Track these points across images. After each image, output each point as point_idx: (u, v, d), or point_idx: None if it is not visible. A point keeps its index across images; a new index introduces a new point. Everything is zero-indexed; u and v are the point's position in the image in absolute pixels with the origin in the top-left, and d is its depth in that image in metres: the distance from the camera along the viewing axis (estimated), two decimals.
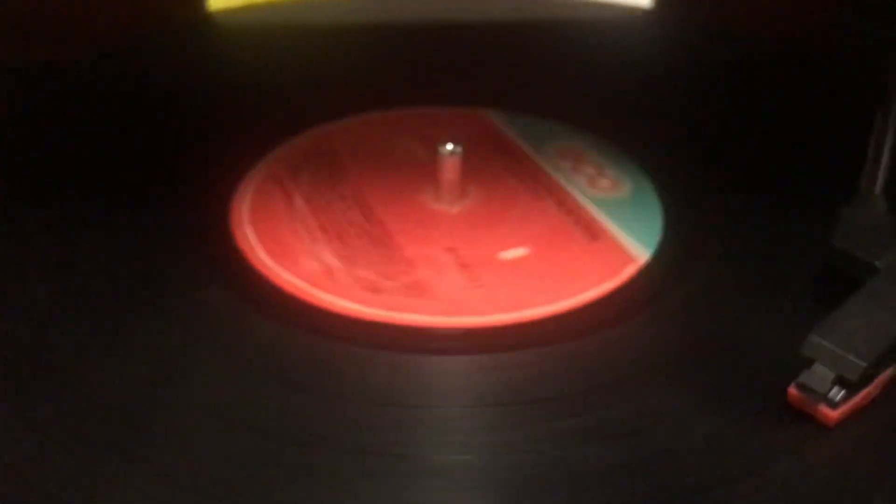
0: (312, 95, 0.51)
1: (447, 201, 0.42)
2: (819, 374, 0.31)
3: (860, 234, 0.36)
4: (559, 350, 0.35)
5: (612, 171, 0.45)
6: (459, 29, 0.58)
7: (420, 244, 0.40)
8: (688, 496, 0.29)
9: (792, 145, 0.47)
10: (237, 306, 0.36)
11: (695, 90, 0.51)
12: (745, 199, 0.43)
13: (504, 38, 0.57)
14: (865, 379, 0.31)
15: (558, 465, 0.30)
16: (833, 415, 0.31)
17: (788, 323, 0.35)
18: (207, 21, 0.59)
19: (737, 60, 0.54)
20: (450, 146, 0.41)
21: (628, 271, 0.39)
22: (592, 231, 0.41)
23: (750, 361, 0.34)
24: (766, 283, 0.38)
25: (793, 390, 0.32)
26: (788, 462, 0.30)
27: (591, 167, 0.45)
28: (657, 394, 0.33)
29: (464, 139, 0.42)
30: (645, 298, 0.37)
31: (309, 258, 0.39)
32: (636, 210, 0.42)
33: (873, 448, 0.31)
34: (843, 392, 0.31)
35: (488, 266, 0.39)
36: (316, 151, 0.46)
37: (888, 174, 0.39)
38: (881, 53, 0.45)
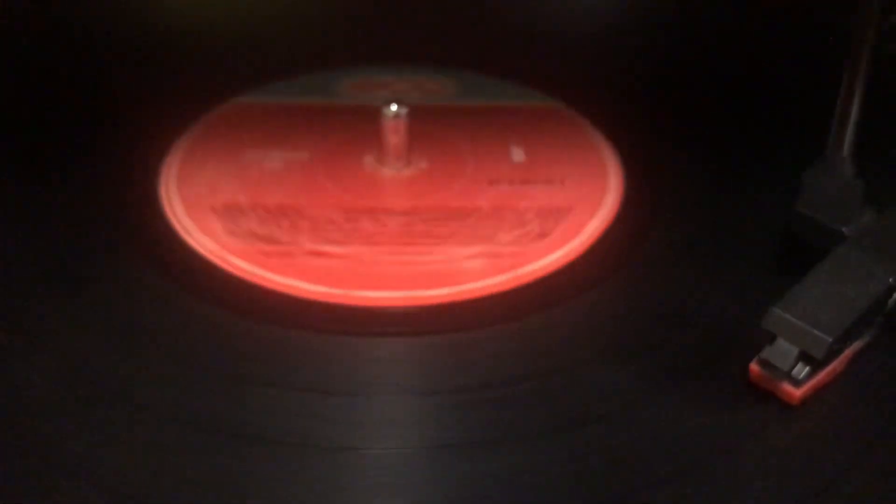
0: (247, 57, 0.47)
1: (393, 166, 0.40)
2: (782, 349, 0.29)
3: (826, 200, 0.34)
4: (509, 329, 0.33)
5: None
6: None
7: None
8: (646, 483, 0.28)
9: (756, 108, 0.44)
10: (162, 284, 0.34)
11: (654, 55, 0.49)
12: (704, 165, 0.41)
13: None
14: (831, 355, 0.29)
15: (509, 454, 0.28)
16: (797, 393, 0.29)
17: (752, 295, 0.33)
18: None
19: (699, 22, 0.52)
20: (394, 107, 0.39)
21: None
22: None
23: (711, 336, 0.32)
24: (728, 252, 0.36)
25: (754, 367, 0.30)
26: (750, 444, 0.29)
27: None
28: (613, 375, 0.31)
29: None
30: (600, 271, 0.35)
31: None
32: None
33: (838, 427, 0.29)
34: (807, 369, 0.29)
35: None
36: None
37: (855, 136, 0.37)
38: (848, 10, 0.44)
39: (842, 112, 0.38)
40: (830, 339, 0.29)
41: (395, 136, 0.39)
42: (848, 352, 0.30)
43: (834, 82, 0.39)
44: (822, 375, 0.30)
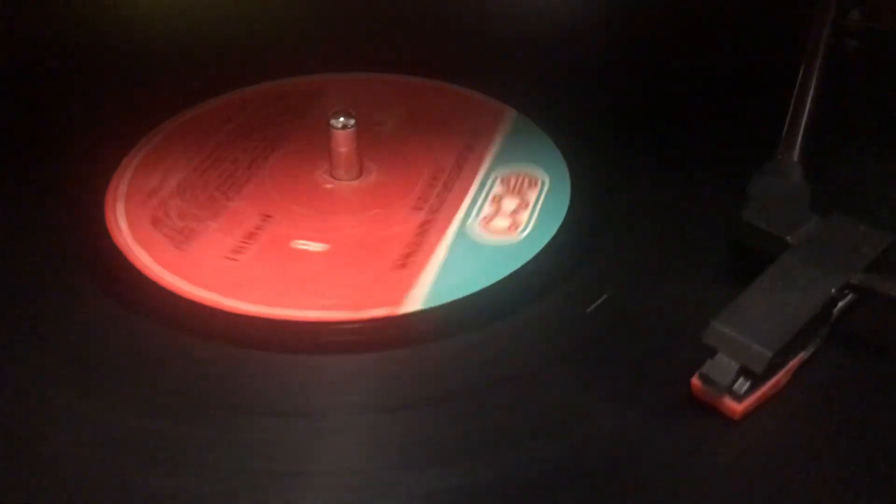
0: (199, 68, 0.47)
1: (344, 177, 0.40)
2: (722, 364, 0.29)
3: (772, 207, 0.33)
4: (449, 343, 0.32)
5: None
6: None
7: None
8: (585, 497, 0.27)
9: (705, 112, 0.44)
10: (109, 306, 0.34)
11: (603, 59, 0.48)
12: (650, 169, 0.40)
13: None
14: (772, 368, 0.29)
15: (450, 475, 0.28)
16: (738, 408, 0.29)
17: (697, 305, 0.33)
18: None
19: (651, 23, 0.51)
20: (342, 119, 0.38)
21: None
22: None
23: (655, 349, 0.32)
24: (674, 260, 0.35)
25: (696, 382, 0.29)
26: (692, 460, 0.28)
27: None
28: (556, 390, 0.31)
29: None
30: (544, 282, 0.35)
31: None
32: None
33: (780, 441, 0.29)
34: (748, 383, 0.29)
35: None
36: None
37: (806, 139, 0.37)
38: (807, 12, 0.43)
39: (795, 112, 0.38)
40: (770, 354, 0.28)
41: (344, 148, 0.39)
42: (792, 363, 0.30)
43: (786, 85, 0.39)
44: (765, 389, 0.29)
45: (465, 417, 0.30)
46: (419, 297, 0.34)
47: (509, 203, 0.38)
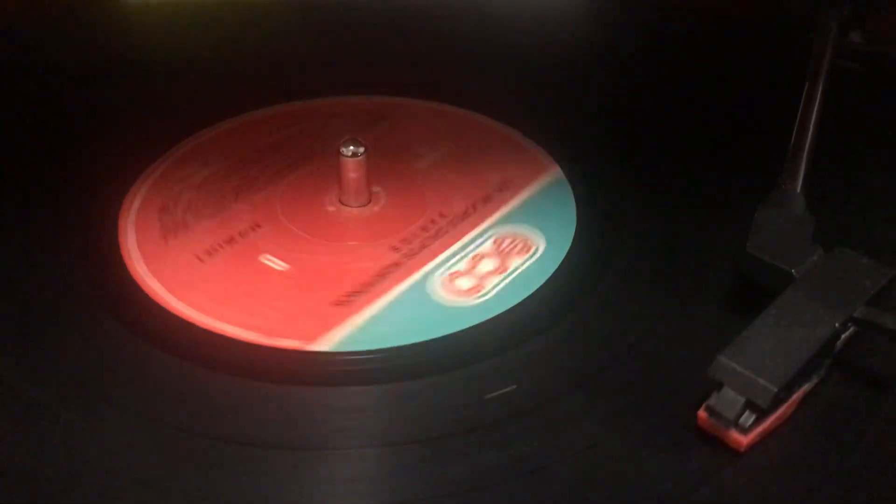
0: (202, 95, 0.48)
1: (351, 203, 0.40)
2: (728, 398, 0.29)
3: (777, 239, 0.34)
4: (455, 375, 0.33)
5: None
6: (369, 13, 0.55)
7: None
8: None
9: (713, 143, 0.44)
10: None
11: (610, 83, 0.49)
12: (658, 200, 0.41)
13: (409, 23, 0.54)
14: (777, 402, 0.30)
15: None
16: (743, 441, 0.29)
17: (704, 337, 0.33)
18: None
19: (656, 49, 0.52)
20: (352, 147, 0.39)
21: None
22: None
23: (661, 380, 0.32)
24: (681, 293, 0.36)
25: (702, 414, 0.30)
26: (698, 491, 0.29)
27: None
28: (563, 421, 0.31)
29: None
30: (549, 312, 0.35)
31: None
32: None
33: (785, 472, 0.29)
34: (754, 417, 0.29)
35: None
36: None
37: (809, 170, 0.37)
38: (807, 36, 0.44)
39: (797, 141, 0.38)
40: (776, 389, 0.29)
41: (354, 175, 0.40)
42: (796, 395, 0.31)
43: (790, 111, 0.40)
44: (770, 421, 0.30)
45: (477, 447, 0.30)
46: (335, 338, 0.34)
47: (486, 264, 0.37)
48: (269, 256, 0.37)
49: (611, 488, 0.29)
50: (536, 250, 0.38)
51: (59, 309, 0.35)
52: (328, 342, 0.34)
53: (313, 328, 0.34)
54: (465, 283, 0.36)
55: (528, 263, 0.37)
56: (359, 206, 0.40)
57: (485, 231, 0.39)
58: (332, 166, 0.41)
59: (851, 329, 0.32)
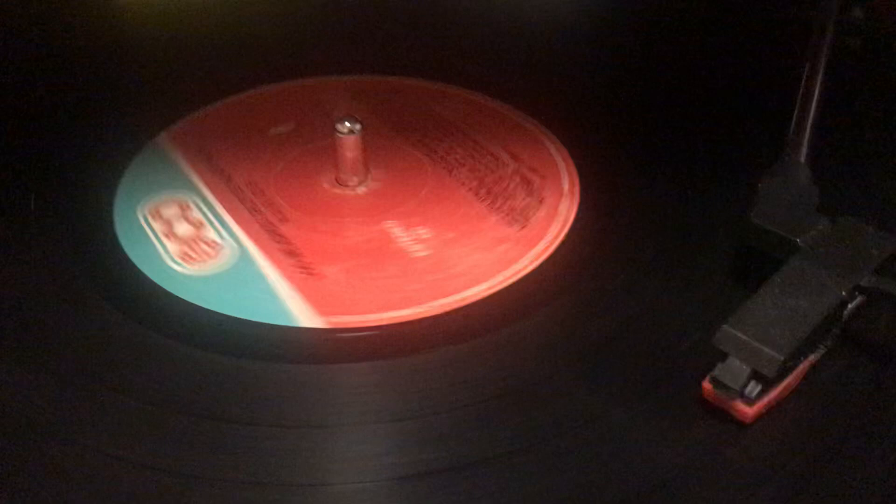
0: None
1: (349, 183, 0.40)
2: (733, 368, 0.29)
3: (780, 209, 0.33)
4: (456, 350, 0.32)
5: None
6: None
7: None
8: (599, 501, 0.27)
9: (714, 113, 0.44)
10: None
11: (608, 61, 0.48)
12: (660, 170, 0.40)
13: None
14: (784, 372, 0.29)
15: (464, 479, 0.28)
16: (750, 412, 0.29)
17: (710, 307, 0.33)
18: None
19: (653, 26, 0.51)
20: (347, 124, 0.38)
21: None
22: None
23: (666, 350, 0.32)
24: (685, 262, 0.35)
25: (707, 385, 0.29)
26: (704, 463, 0.28)
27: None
28: (567, 393, 0.31)
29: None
30: (554, 286, 0.35)
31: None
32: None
33: (792, 444, 0.29)
34: (759, 387, 0.29)
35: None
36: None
37: (812, 139, 0.36)
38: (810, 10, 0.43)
39: (800, 113, 0.38)
40: (782, 358, 0.28)
41: (350, 153, 0.39)
42: (803, 365, 0.30)
43: (791, 87, 0.39)
44: (777, 392, 0.29)
45: (484, 423, 0.30)
46: None
47: None
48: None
49: (615, 462, 0.28)
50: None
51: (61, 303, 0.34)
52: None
53: None
54: None
55: None
56: (362, 183, 0.40)
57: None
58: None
59: (859, 298, 0.31)
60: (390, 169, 0.40)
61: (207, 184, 0.40)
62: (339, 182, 0.40)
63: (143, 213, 0.38)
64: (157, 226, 0.37)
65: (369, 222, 0.38)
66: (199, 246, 0.36)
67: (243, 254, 0.36)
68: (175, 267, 0.35)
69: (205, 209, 0.38)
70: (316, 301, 0.34)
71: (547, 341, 0.33)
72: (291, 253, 0.36)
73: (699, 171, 0.40)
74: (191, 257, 0.36)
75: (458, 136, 0.42)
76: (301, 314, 0.33)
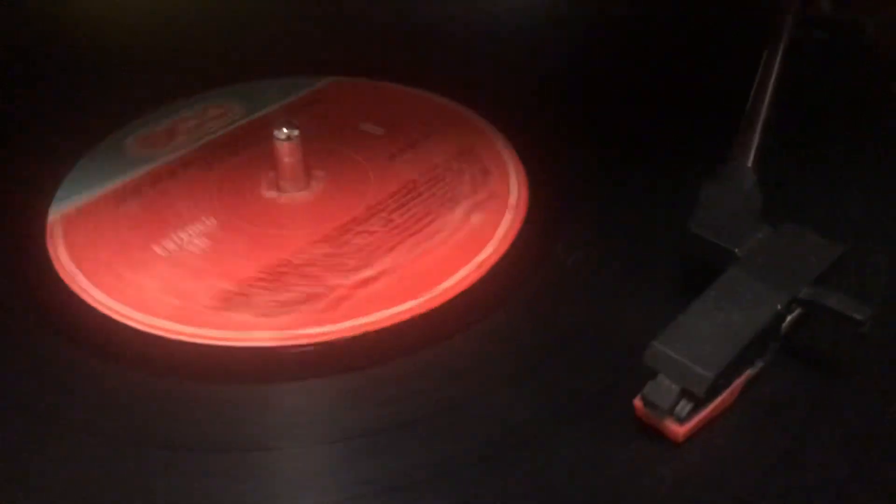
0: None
1: (290, 189, 0.39)
2: (663, 386, 0.28)
3: (722, 216, 0.32)
4: (391, 368, 0.31)
5: None
6: None
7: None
8: None
9: (660, 116, 0.42)
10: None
11: (555, 59, 0.47)
12: (603, 171, 0.39)
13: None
14: (715, 390, 0.28)
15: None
16: (680, 431, 0.28)
17: (643, 323, 0.31)
18: None
19: (600, 21, 0.50)
20: (285, 130, 0.37)
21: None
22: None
23: (600, 367, 0.31)
24: (626, 272, 0.34)
25: (638, 403, 0.28)
26: (633, 483, 0.27)
27: None
28: (501, 412, 0.30)
29: None
30: (494, 298, 0.34)
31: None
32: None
33: (725, 463, 0.28)
34: (690, 406, 0.28)
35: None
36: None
37: (763, 143, 0.35)
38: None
39: (750, 114, 0.37)
40: (712, 376, 0.27)
41: (289, 159, 0.38)
42: (738, 381, 0.29)
43: (742, 87, 0.38)
44: (710, 409, 0.28)
45: (415, 441, 0.29)
46: None
47: None
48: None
49: (546, 481, 0.27)
50: None
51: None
52: None
53: None
54: None
55: None
56: (304, 189, 0.39)
57: None
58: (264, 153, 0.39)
59: (798, 310, 0.30)
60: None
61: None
62: (279, 188, 0.39)
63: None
64: None
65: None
66: None
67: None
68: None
69: None
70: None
71: (483, 355, 0.32)
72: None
73: (645, 173, 0.39)
74: None
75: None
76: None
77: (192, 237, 0.36)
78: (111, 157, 0.41)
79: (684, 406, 0.28)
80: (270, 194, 0.38)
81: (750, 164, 0.34)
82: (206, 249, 0.36)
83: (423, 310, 0.33)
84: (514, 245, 0.36)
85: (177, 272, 0.35)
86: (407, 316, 0.33)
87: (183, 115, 0.43)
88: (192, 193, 0.38)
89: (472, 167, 0.39)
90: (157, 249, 0.36)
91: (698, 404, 0.28)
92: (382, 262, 0.35)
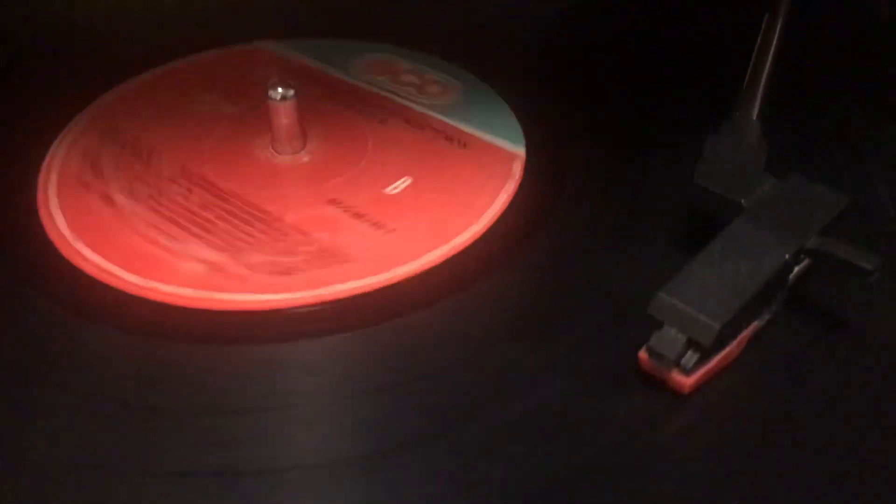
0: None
1: (290, 151, 0.38)
2: (669, 337, 0.27)
3: (727, 168, 0.32)
4: (400, 322, 0.31)
5: (435, 74, 0.41)
6: None
7: (297, 206, 0.35)
8: (535, 474, 0.26)
9: (664, 67, 0.42)
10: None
11: (556, 19, 0.46)
12: (607, 128, 0.38)
13: None
14: (722, 340, 0.27)
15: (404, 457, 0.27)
16: (686, 382, 0.27)
17: (648, 276, 0.30)
18: None
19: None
20: (280, 90, 0.37)
21: (517, 168, 0.36)
22: (459, 139, 0.38)
23: (604, 321, 0.30)
24: (626, 229, 0.34)
25: (643, 355, 0.28)
26: (640, 436, 0.27)
27: (411, 76, 0.41)
28: (507, 365, 0.29)
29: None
30: (499, 252, 0.33)
31: (182, 261, 0.33)
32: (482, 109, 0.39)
33: (731, 415, 0.27)
34: (697, 357, 0.27)
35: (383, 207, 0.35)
36: (107, 132, 0.39)
37: (767, 96, 0.35)
38: None
39: (755, 66, 0.36)
40: (718, 326, 0.27)
41: (285, 120, 0.37)
42: (744, 333, 0.28)
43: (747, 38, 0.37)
44: (716, 361, 0.28)
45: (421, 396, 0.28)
46: None
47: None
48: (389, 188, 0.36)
49: (551, 435, 0.27)
50: None
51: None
52: None
53: None
54: None
55: None
56: (305, 146, 0.38)
57: None
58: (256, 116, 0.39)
59: (805, 261, 0.29)
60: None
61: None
62: (276, 150, 0.38)
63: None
64: None
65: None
66: None
67: None
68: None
69: None
70: None
71: (489, 309, 0.31)
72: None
73: (652, 129, 0.38)
74: None
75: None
76: None
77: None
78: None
79: (690, 357, 0.27)
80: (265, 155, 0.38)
81: (755, 116, 0.34)
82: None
83: (418, 270, 0.33)
84: (514, 200, 0.35)
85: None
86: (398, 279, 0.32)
87: None
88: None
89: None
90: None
91: (704, 355, 0.27)
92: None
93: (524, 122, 0.39)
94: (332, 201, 0.35)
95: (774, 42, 0.36)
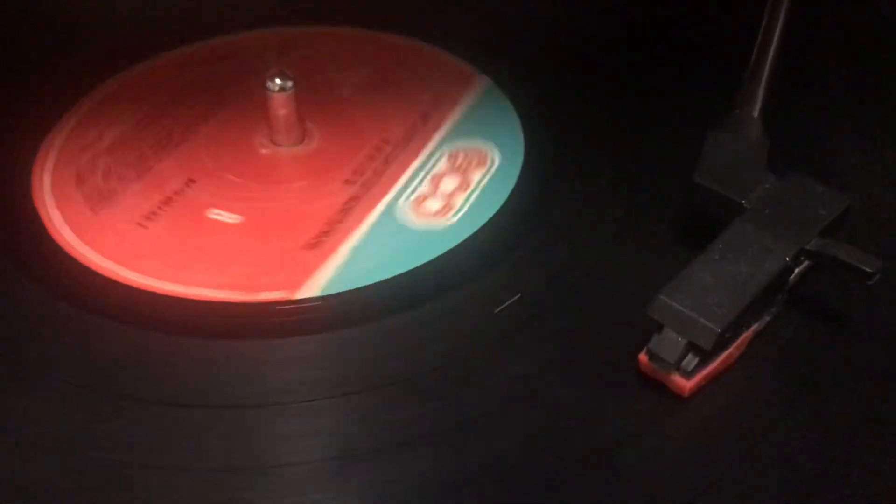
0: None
1: (289, 143, 0.38)
2: (669, 340, 0.27)
3: (727, 166, 0.31)
4: (396, 321, 0.31)
5: None
6: None
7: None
8: (534, 477, 0.26)
9: (663, 65, 0.41)
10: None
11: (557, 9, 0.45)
12: (606, 126, 0.38)
13: None
14: (722, 344, 0.27)
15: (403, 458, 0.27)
16: (687, 385, 0.27)
17: (649, 277, 0.30)
18: None
19: None
20: (278, 81, 0.36)
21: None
22: None
23: (604, 323, 0.30)
24: (628, 229, 0.33)
25: (643, 358, 0.28)
26: (640, 438, 0.27)
27: None
28: (506, 366, 0.29)
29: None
30: (497, 250, 0.33)
31: None
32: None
33: (731, 418, 0.28)
34: (697, 360, 0.27)
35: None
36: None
37: (768, 93, 0.34)
38: None
39: (756, 62, 0.36)
40: (719, 330, 0.27)
41: (283, 111, 0.37)
42: (745, 336, 0.28)
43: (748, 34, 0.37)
44: (716, 364, 0.28)
45: (424, 397, 0.28)
46: (320, 282, 0.32)
47: (449, 183, 0.35)
48: (216, 211, 0.35)
49: (551, 436, 0.27)
50: (493, 162, 0.36)
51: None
52: (316, 287, 0.32)
53: (293, 276, 0.32)
54: (433, 205, 0.35)
55: (489, 176, 0.36)
56: (295, 144, 0.38)
57: (436, 149, 0.37)
58: (253, 106, 0.38)
59: (806, 263, 0.29)
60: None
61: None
62: (275, 142, 0.38)
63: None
64: None
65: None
66: None
67: None
68: None
69: None
70: None
71: (482, 312, 0.31)
72: None
73: (652, 128, 0.38)
74: None
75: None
76: None
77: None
78: None
79: (690, 360, 0.27)
80: (262, 146, 0.38)
81: (756, 114, 0.34)
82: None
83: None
84: (511, 197, 0.35)
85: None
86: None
87: None
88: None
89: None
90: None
91: (704, 358, 0.27)
92: None
93: (523, 121, 0.39)
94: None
95: (776, 39, 0.36)
